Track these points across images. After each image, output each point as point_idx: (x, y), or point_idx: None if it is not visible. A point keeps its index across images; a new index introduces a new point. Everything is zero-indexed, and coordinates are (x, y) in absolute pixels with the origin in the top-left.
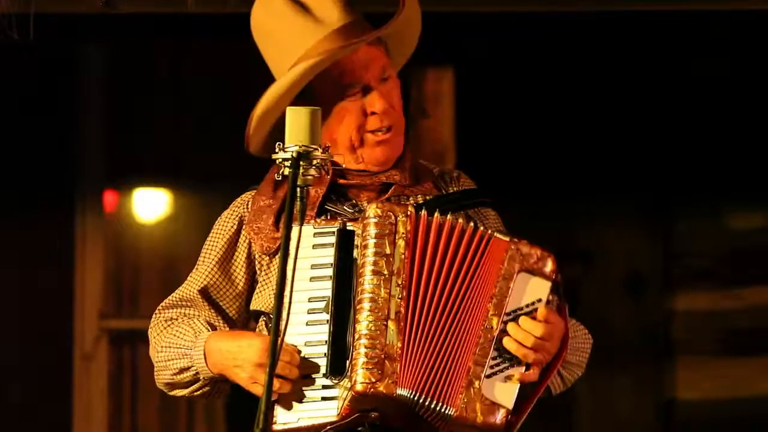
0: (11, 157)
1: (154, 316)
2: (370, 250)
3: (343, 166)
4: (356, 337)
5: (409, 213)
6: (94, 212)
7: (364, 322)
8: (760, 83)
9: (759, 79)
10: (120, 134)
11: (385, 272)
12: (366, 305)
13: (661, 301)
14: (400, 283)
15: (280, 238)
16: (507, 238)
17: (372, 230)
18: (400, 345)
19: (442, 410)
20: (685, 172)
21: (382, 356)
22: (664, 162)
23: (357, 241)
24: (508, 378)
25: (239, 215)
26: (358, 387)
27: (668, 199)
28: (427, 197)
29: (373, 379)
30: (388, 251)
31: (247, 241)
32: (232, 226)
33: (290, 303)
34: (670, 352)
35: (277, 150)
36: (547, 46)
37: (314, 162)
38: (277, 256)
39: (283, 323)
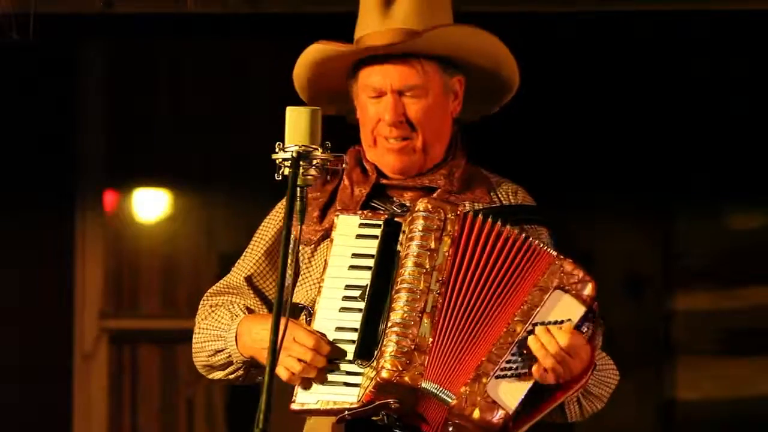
0: (11, 157)
1: (201, 302)
2: (415, 243)
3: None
4: (389, 324)
5: (458, 212)
6: (94, 212)
7: (399, 311)
8: (760, 83)
9: (759, 79)
10: (120, 134)
11: (427, 266)
12: (403, 295)
13: (661, 302)
14: (440, 279)
15: (324, 232)
16: (554, 253)
17: (419, 223)
18: (431, 340)
19: (442, 396)
20: (685, 172)
21: (413, 347)
22: (664, 162)
23: (401, 236)
24: (518, 380)
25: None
26: (384, 374)
27: (668, 199)
28: (476, 205)
29: (401, 368)
30: (432, 246)
31: (294, 232)
32: (279, 220)
33: (289, 304)
34: (670, 352)
35: (277, 150)
36: (547, 46)
37: (314, 162)
38: (318, 250)
39: (282, 324)
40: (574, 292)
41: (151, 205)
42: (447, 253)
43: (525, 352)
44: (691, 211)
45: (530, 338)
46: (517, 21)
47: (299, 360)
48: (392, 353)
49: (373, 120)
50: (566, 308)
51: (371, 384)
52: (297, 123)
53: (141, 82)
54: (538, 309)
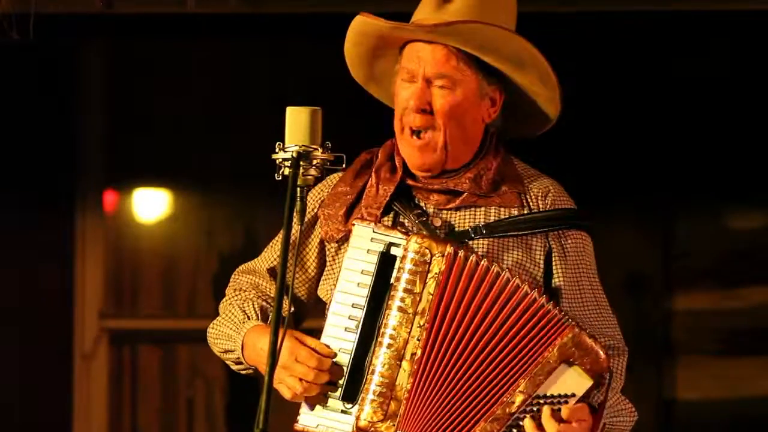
0: (11, 156)
1: (233, 276)
2: (401, 285)
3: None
4: (371, 369)
5: (446, 253)
6: (94, 212)
7: (380, 357)
8: (759, 83)
9: (759, 79)
10: (120, 134)
11: (410, 311)
12: (385, 341)
13: (661, 301)
14: (422, 324)
15: (347, 232)
16: (569, 323)
17: (407, 265)
18: (408, 387)
19: None
20: (685, 173)
21: (390, 396)
22: (664, 162)
23: (397, 264)
24: None
25: (322, 198)
26: (361, 423)
27: (668, 200)
28: (503, 210)
29: (375, 419)
30: (417, 290)
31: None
32: (312, 209)
33: (290, 307)
34: (670, 352)
35: (277, 150)
36: (547, 46)
37: (314, 162)
38: (342, 249)
39: (283, 317)
40: (582, 366)
41: (151, 205)
42: (431, 297)
43: (519, 429)
44: (691, 211)
45: (526, 422)
46: (517, 21)
47: (301, 380)
48: (370, 402)
49: (402, 106)
50: (572, 382)
51: (355, 426)
52: (297, 123)
53: (141, 82)
54: (542, 382)
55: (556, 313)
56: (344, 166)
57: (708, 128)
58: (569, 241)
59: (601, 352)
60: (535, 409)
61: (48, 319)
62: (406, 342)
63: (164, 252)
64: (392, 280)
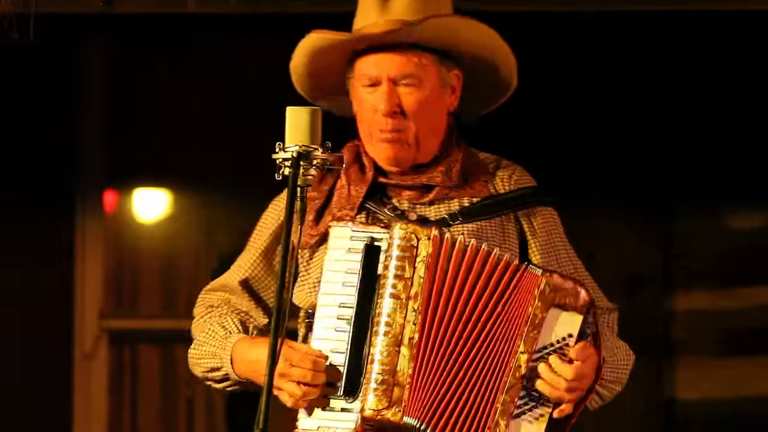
0: (11, 156)
1: (199, 298)
2: (391, 272)
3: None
4: (370, 359)
5: (432, 236)
6: (94, 212)
7: (378, 345)
8: (759, 83)
9: (759, 79)
10: (120, 134)
11: (403, 296)
12: (381, 329)
13: (661, 302)
14: (416, 308)
15: (321, 235)
16: (539, 272)
17: (395, 251)
18: (410, 372)
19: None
20: (684, 172)
21: (392, 382)
22: (663, 162)
23: (382, 256)
24: (537, 418)
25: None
26: (366, 413)
27: (668, 199)
28: (474, 199)
29: (380, 407)
30: (407, 274)
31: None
32: (278, 218)
33: (288, 310)
34: (670, 352)
35: (277, 150)
36: (547, 46)
37: (314, 162)
38: (316, 253)
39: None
40: (569, 305)
41: (151, 205)
42: (422, 280)
43: (534, 384)
44: (691, 211)
45: (538, 383)
46: (517, 21)
47: (299, 383)
48: (373, 390)
49: (370, 111)
50: (565, 324)
51: (360, 419)
52: (297, 123)
53: (141, 82)
54: (538, 335)
55: (529, 269)
56: (344, 166)
57: (708, 128)
58: (539, 219)
59: (577, 286)
60: (542, 362)
61: (48, 319)
62: (403, 327)
63: (164, 252)
64: (380, 270)
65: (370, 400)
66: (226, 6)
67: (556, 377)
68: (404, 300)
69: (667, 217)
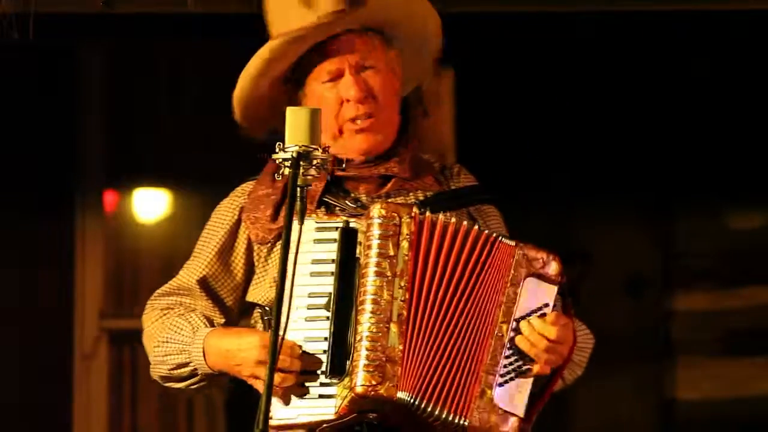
0: (11, 157)
1: (148, 303)
2: (374, 251)
3: (345, 160)
4: (358, 338)
5: (413, 214)
6: (94, 212)
7: (365, 323)
8: (759, 83)
9: (759, 79)
10: (120, 134)
11: (389, 274)
12: (368, 306)
13: (661, 301)
14: (402, 285)
15: (280, 231)
16: (513, 243)
17: (376, 231)
18: (401, 348)
19: (456, 420)
20: (685, 172)
21: (383, 359)
22: (664, 162)
23: (360, 238)
24: (520, 385)
25: (240, 205)
26: (359, 389)
27: (668, 199)
28: (428, 193)
29: (374, 382)
30: (391, 253)
31: (247, 231)
32: (233, 216)
33: (290, 304)
34: (670, 352)
35: (277, 150)
36: (547, 46)
37: (314, 162)
38: (275, 249)
39: (283, 320)
40: (544, 275)
41: (151, 205)
42: (407, 257)
43: (515, 351)
44: (691, 211)
45: (519, 339)
46: (518, 21)
47: (277, 370)
48: (364, 367)
49: (335, 106)
50: (541, 293)
51: (347, 398)
52: (297, 123)
53: (141, 82)
54: (516, 305)
55: (504, 240)
56: (344, 166)
57: (708, 128)
58: (490, 216)
59: (548, 255)
60: (521, 329)
61: (48, 319)
62: (391, 305)
63: (164, 252)
64: (360, 248)
65: (360, 377)
66: (226, 6)
67: (536, 336)
68: (390, 278)
69: (667, 217)
